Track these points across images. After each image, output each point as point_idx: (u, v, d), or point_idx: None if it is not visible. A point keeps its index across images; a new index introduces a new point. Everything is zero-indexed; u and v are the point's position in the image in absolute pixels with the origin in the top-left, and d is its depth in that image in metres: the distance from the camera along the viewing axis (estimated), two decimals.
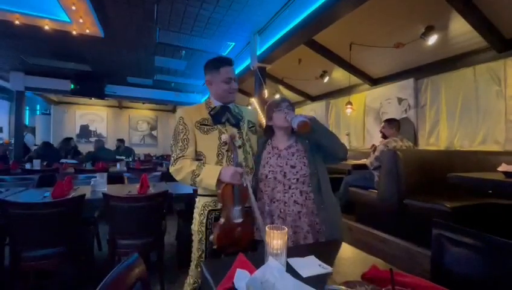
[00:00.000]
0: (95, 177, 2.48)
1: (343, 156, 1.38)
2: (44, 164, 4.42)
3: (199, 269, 1.34)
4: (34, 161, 4.31)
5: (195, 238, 1.37)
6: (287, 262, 0.89)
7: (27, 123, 8.70)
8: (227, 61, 1.40)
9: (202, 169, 1.27)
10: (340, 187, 3.43)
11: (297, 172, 1.31)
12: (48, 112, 9.19)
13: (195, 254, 1.37)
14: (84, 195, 1.89)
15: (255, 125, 1.53)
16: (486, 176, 1.71)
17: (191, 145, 1.35)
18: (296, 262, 0.93)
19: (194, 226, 1.39)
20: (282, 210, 1.29)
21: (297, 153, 1.34)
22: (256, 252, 1.29)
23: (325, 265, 0.92)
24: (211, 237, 1.29)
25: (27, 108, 8.54)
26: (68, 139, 6.54)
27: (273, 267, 0.74)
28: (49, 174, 3.45)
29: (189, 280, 1.38)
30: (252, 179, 1.40)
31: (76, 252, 1.90)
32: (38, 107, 9.58)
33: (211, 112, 1.39)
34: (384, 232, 2.35)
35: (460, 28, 3.11)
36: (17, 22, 3.65)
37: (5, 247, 2.10)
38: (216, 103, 1.42)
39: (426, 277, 0.91)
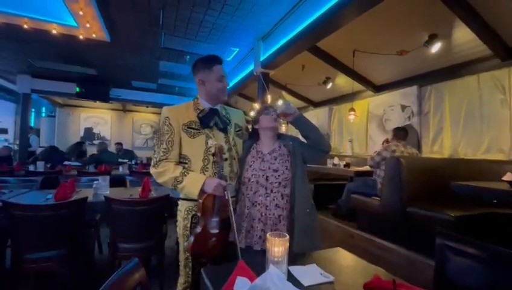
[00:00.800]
0: (98, 180, 2.49)
1: (327, 149, 1.43)
2: (48, 166, 4.45)
3: (187, 270, 1.38)
4: (37, 162, 4.34)
5: (181, 241, 1.39)
6: (288, 270, 0.89)
7: (32, 125, 8.80)
8: (218, 60, 1.38)
9: (186, 176, 1.26)
10: (343, 194, 3.41)
11: (279, 176, 1.33)
12: (53, 114, 9.28)
13: (181, 256, 1.39)
14: (87, 198, 1.90)
15: (242, 129, 1.53)
16: (491, 185, 1.69)
17: (176, 148, 1.33)
18: (297, 270, 0.92)
19: (179, 230, 1.40)
20: (263, 214, 1.31)
21: (280, 157, 1.37)
22: (257, 260, 1.28)
23: (326, 274, 0.91)
24: (185, 244, 1.31)
25: (33, 110, 8.64)
26: (80, 144, 6.54)
27: (273, 275, 0.73)
28: (53, 176, 3.47)
29: (180, 280, 1.41)
30: (236, 182, 1.41)
31: (77, 254, 1.90)
32: (43, 109, 9.68)
33: (200, 115, 1.36)
34: (387, 240, 2.32)
35: (464, 36, 3.11)
36: (25, 26, 3.72)
37: (7, 249, 2.11)
38: (205, 105, 1.40)
39: (429, 286, 0.90)
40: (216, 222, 1.25)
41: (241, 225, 1.33)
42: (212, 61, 1.37)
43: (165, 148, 1.31)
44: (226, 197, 1.22)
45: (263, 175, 1.34)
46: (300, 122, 1.40)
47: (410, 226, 2.26)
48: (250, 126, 1.59)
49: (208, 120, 1.36)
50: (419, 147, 4.00)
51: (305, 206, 1.34)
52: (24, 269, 1.74)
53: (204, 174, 1.31)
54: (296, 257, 1.09)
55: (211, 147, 1.33)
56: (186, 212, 1.36)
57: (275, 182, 1.33)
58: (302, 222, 1.30)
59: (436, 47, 3.23)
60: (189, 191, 1.25)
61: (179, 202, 1.42)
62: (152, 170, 1.33)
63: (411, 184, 2.35)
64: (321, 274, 0.91)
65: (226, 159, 1.34)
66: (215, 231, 1.25)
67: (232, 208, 1.22)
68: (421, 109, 4.07)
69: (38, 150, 6.74)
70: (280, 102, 1.50)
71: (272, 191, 1.33)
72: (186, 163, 1.34)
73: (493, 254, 0.94)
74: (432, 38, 3.22)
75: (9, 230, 1.75)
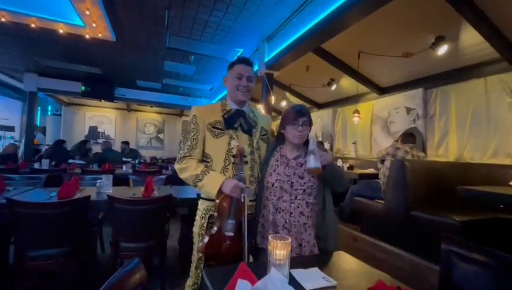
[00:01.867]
0: (101, 178, 2.50)
1: (340, 191, 1.38)
2: (53, 163, 4.49)
3: (198, 271, 1.35)
4: (42, 160, 4.38)
5: (195, 240, 1.37)
6: (290, 273, 0.87)
7: (38, 123, 8.90)
8: (242, 60, 1.40)
9: (206, 175, 1.28)
10: (346, 196, 3.39)
11: (304, 183, 1.28)
12: (58, 113, 9.38)
13: (194, 256, 1.38)
14: (90, 196, 1.91)
15: (267, 133, 1.51)
16: (498, 190, 1.66)
17: (199, 146, 1.36)
18: (300, 274, 0.90)
19: (195, 229, 1.39)
20: (287, 220, 1.26)
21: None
22: (258, 262, 1.28)
23: (329, 278, 0.89)
24: (200, 244, 1.30)
25: (39, 108, 8.75)
26: (85, 142, 6.61)
27: (275, 279, 0.72)
28: (57, 174, 3.50)
29: (189, 282, 1.39)
30: (256, 186, 1.38)
31: (79, 253, 1.90)
32: (49, 108, 9.80)
33: (225, 115, 1.37)
34: (390, 244, 2.29)
35: (471, 38, 3.07)
36: (33, 26, 3.77)
37: (10, 246, 2.13)
38: (232, 105, 1.41)
39: None
40: (232, 224, 1.22)
41: (268, 232, 1.29)
42: (236, 61, 1.41)
43: (189, 146, 1.35)
44: (242, 200, 1.21)
45: (288, 181, 1.29)
46: (330, 171, 1.26)
47: (415, 230, 2.23)
48: (275, 128, 1.54)
49: (232, 121, 1.37)
50: (424, 150, 3.96)
51: (332, 221, 1.31)
52: (27, 267, 1.74)
53: (224, 174, 1.32)
54: (298, 260, 1.08)
55: (233, 147, 1.33)
56: (204, 211, 1.37)
57: (300, 189, 1.27)
58: (333, 226, 1.28)
59: (443, 49, 3.19)
60: (207, 190, 1.28)
61: (199, 201, 1.43)
62: (176, 165, 1.37)
63: (416, 188, 2.32)
64: (323, 278, 0.90)
65: (246, 162, 1.32)
66: (230, 233, 1.22)
67: (246, 212, 1.21)
68: (427, 112, 4.03)
69: (44, 148, 6.81)
70: (311, 142, 1.25)
71: (296, 197, 1.27)
72: (208, 162, 1.36)
73: (500, 260, 0.92)
74: (439, 40, 3.18)
75: (12, 227, 1.76)
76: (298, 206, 1.27)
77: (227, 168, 1.33)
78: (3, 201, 1.76)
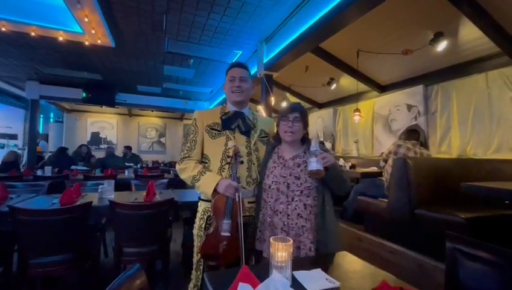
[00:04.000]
0: (103, 184, 2.50)
1: (342, 194, 1.36)
2: (56, 170, 4.51)
3: (198, 273, 1.37)
4: (45, 167, 4.41)
5: (195, 242, 1.39)
6: (292, 275, 0.86)
7: (41, 131, 8.96)
8: (234, 64, 1.46)
9: (203, 176, 1.31)
10: (349, 195, 3.36)
11: (301, 184, 1.25)
12: (60, 120, 9.44)
13: (195, 258, 1.39)
14: (91, 202, 1.91)
15: (268, 136, 1.51)
16: (503, 185, 1.64)
17: (198, 147, 1.40)
18: (302, 275, 0.89)
19: (195, 230, 1.41)
20: (285, 223, 1.24)
21: (304, 164, 1.27)
22: (260, 264, 1.26)
23: (332, 279, 0.88)
24: (196, 242, 1.33)
25: (41, 116, 8.81)
26: (80, 147, 6.71)
27: (277, 281, 0.71)
28: (59, 180, 3.51)
29: (190, 284, 1.40)
30: (255, 188, 1.38)
31: (82, 258, 1.90)
32: (52, 115, 9.87)
33: (223, 117, 1.41)
34: (395, 243, 2.26)
35: (470, 33, 3.05)
36: (33, 34, 3.80)
37: (14, 253, 2.13)
38: (231, 108, 1.45)
39: None
40: (228, 224, 1.22)
41: (265, 234, 1.28)
42: (229, 66, 1.48)
43: (188, 147, 1.40)
44: (237, 199, 1.22)
45: (284, 182, 1.27)
46: (332, 174, 1.23)
47: (419, 228, 2.20)
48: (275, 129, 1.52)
49: (229, 122, 1.40)
50: (426, 147, 3.93)
51: (333, 223, 1.27)
52: (30, 274, 1.75)
53: (221, 174, 1.35)
54: (300, 261, 1.06)
55: (229, 148, 1.35)
56: (202, 212, 1.40)
57: (297, 190, 1.25)
58: (333, 230, 1.25)
59: (442, 45, 3.17)
60: (204, 190, 1.32)
61: (199, 203, 1.46)
62: (176, 166, 1.42)
63: (419, 185, 2.29)
64: (327, 279, 0.88)
65: (242, 162, 1.33)
66: (227, 234, 1.22)
67: (241, 212, 1.21)
68: (428, 109, 4.00)
69: (48, 155, 6.86)
70: (313, 144, 1.23)
71: (293, 199, 1.25)
72: (206, 162, 1.40)
73: (506, 257, 0.90)
74: (438, 36, 3.17)
75: (15, 235, 1.77)
76: (296, 208, 1.24)
77: (224, 168, 1.35)
78: (5, 209, 1.77)
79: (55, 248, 1.80)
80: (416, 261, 2.03)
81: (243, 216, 1.23)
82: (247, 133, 1.42)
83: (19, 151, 7.75)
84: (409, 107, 4.26)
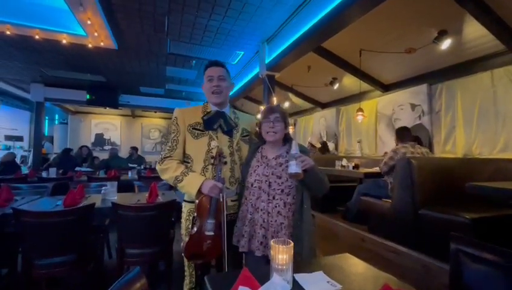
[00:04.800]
0: (106, 185, 2.52)
1: (319, 196, 1.39)
2: (60, 172, 4.55)
3: (191, 270, 1.41)
4: (50, 169, 4.45)
5: (182, 243, 1.40)
6: (294, 278, 0.86)
7: (46, 132, 9.06)
8: (210, 63, 1.45)
9: (186, 176, 1.31)
10: (352, 196, 3.34)
11: (282, 183, 1.29)
12: (65, 122, 9.53)
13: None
14: (94, 204, 1.92)
15: (250, 134, 1.52)
16: (509, 185, 1.61)
17: (180, 147, 1.39)
18: (303, 278, 0.88)
19: (182, 230, 1.43)
20: (265, 220, 1.28)
21: (286, 163, 1.30)
22: (262, 268, 1.26)
23: (334, 282, 0.87)
24: (182, 243, 1.34)
25: (46, 118, 8.90)
26: (80, 148, 6.79)
27: (277, 285, 0.71)
28: (63, 182, 3.54)
29: (186, 280, 1.44)
30: (238, 186, 1.41)
31: (86, 259, 1.91)
32: (56, 117, 9.97)
33: (204, 117, 1.41)
34: (399, 244, 2.24)
35: (475, 31, 3.01)
36: (37, 37, 3.84)
37: (18, 254, 2.15)
38: (212, 107, 1.44)
39: None
40: (212, 224, 1.26)
41: (244, 230, 1.31)
42: (207, 64, 1.46)
43: (170, 147, 1.38)
44: (221, 200, 1.24)
45: (266, 181, 1.30)
46: (310, 176, 1.26)
47: (423, 229, 2.18)
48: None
49: (211, 122, 1.40)
50: (430, 147, 3.89)
51: (309, 220, 1.30)
52: (35, 275, 1.76)
53: (204, 175, 1.35)
54: (301, 263, 1.06)
55: (212, 148, 1.36)
56: (188, 213, 1.41)
57: (278, 189, 1.29)
58: (302, 238, 1.25)
59: (446, 44, 3.14)
60: (187, 190, 1.32)
61: (183, 204, 1.46)
62: (157, 166, 1.40)
63: (423, 186, 2.26)
64: (328, 282, 0.87)
65: (225, 163, 1.35)
66: (211, 233, 1.25)
67: (225, 212, 1.24)
68: (432, 108, 3.96)
69: (52, 157, 6.93)
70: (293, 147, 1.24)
71: (274, 197, 1.28)
72: (188, 162, 1.39)
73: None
74: (442, 34, 3.13)
75: (19, 236, 1.78)
76: (276, 206, 1.28)
77: (207, 169, 1.36)
78: (10, 211, 1.79)
79: (59, 249, 1.81)
80: (420, 262, 2.00)
81: (226, 214, 1.26)
82: (229, 132, 1.42)
83: (24, 153, 7.86)
84: (413, 106, 4.21)
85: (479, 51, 3.31)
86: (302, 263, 1.08)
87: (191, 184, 1.29)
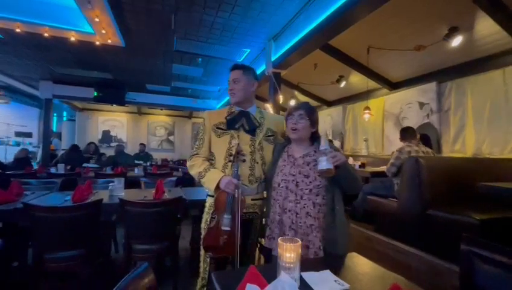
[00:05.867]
0: (113, 181, 2.54)
1: (353, 193, 1.39)
2: (68, 168, 4.62)
3: (205, 265, 1.44)
4: (58, 165, 4.52)
5: (202, 235, 1.44)
6: (301, 276, 0.85)
7: (54, 129, 9.21)
8: (231, 67, 1.52)
9: (207, 172, 1.38)
10: (358, 195, 3.31)
11: (310, 182, 1.25)
12: (73, 119, 9.67)
13: (202, 251, 1.43)
14: (102, 200, 1.94)
15: (275, 134, 1.51)
16: None
17: (205, 145, 1.49)
18: (311, 277, 0.88)
19: (202, 224, 1.48)
20: (293, 221, 1.24)
21: (313, 163, 1.27)
22: (268, 265, 1.26)
23: (341, 281, 0.86)
24: (202, 236, 1.40)
25: (55, 115, 9.04)
26: (88, 144, 6.90)
27: (285, 283, 0.70)
28: (71, 178, 3.59)
29: (199, 278, 1.47)
30: (259, 185, 1.44)
31: (94, 254, 1.94)
32: (64, 113, 10.12)
33: (227, 117, 1.47)
34: (406, 244, 2.21)
35: (487, 28, 2.94)
36: (46, 35, 3.88)
37: (29, 248, 2.20)
38: (237, 108, 1.51)
39: None
40: (228, 219, 1.28)
41: (275, 232, 1.28)
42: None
43: (197, 145, 1.50)
44: (236, 195, 1.27)
45: (293, 180, 1.27)
46: (343, 172, 1.20)
47: (432, 229, 2.15)
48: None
49: (233, 122, 1.46)
50: (439, 146, 3.83)
51: (342, 222, 1.25)
52: (44, 268, 1.79)
53: (224, 171, 1.41)
54: (309, 262, 1.05)
55: (233, 146, 1.40)
56: (208, 207, 1.47)
57: (306, 189, 1.24)
58: (336, 241, 1.21)
59: (457, 40, 3.07)
60: (207, 186, 1.39)
61: (206, 198, 1.53)
62: (187, 163, 1.52)
63: (431, 185, 2.23)
64: (335, 281, 0.87)
65: (244, 160, 1.38)
66: (227, 228, 1.28)
67: (240, 208, 1.27)
68: (441, 106, 3.89)
69: (61, 153, 7.05)
70: (322, 143, 1.20)
71: (302, 197, 1.24)
72: (213, 160, 1.48)
73: None
74: (452, 31, 3.06)
75: (30, 230, 1.82)
76: (304, 207, 1.24)
77: (227, 166, 1.41)
78: (20, 205, 1.82)
79: (68, 243, 1.84)
80: (427, 263, 1.98)
81: (245, 212, 1.30)
82: (252, 132, 1.45)
83: (34, 149, 8.00)
84: (421, 104, 4.15)
85: (490, 48, 3.23)
86: (308, 261, 1.07)
87: (211, 180, 1.36)
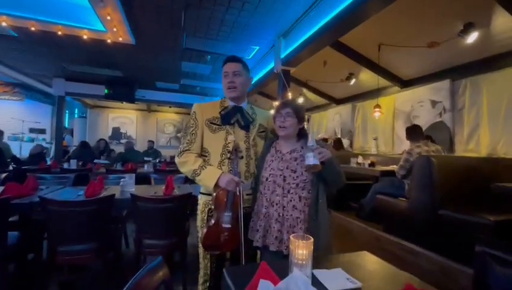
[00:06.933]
0: (124, 177, 2.59)
1: (336, 189, 1.38)
2: (80, 163, 4.73)
3: (206, 262, 1.44)
4: (71, 160, 4.63)
5: (199, 234, 1.44)
6: (313, 274, 0.85)
7: (66, 125, 9.42)
8: (227, 59, 1.46)
9: (203, 170, 1.34)
10: (368, 194, 3.27)
11: (297, 177, 1.29)
12: (84, 115, 9.87)
13: (200, 249, 1.44)
14: (114, 195, 1.98)
15: (266, 131, 1.52)
16: None
17: (198, 141, 1.41)
18: (322, 274, 0.88)
19: (197, 222, 1.46)
20: (280, 214, 1.28)
21: (301, 158, 1.31)
22: (279, 262, 1.27)
23: (353, 279, 0.86)
24: (199, 234, 1.38)
25: (67, 112, 9.25)
26: (98, 141, 7.05)
27: (298, 279, 0.70)
28: (84, 173, 3.68)
29: (201, 273, 1.46)
30: (253, 181, 1.43)
31: (105, 248, 1.99)
32: (76, 110, 10.33)
33: (222, 112, 1.43)
34: (416, 245, 2.18)
35: (504, 23, 2.85)
36: (59, 33, 3.97)
37: (44, 241, 2.27)
38: (230, 102, 1.46)
39: None
40: (228, 217, 1.29)
41: (259, 224, 1.32)
42: (224, 60, 1.47)
43: (188, 140, 1.41)
44: (238, 193, 1.27)
45: (280, 175, 1.31)
46: (328, 168, 1.25)
47: (443, 230, 2.11)
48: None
49: (228, 117, 1.42)
50: (451, 145, 3.74)
51: (324, 215, 1.30)
52: (58, 261, 1.85)
53: (221, 168, 1.38)
54: (320, 259, 1.05)
55: (229, 142, 1.38)
56: (203, 205, 1.44)
57: (293, 183, 1.29)
58: (318, 233, 1.24)
59: (472, 37, 2.98)
60: (205, 183, 1.35)
61: (199, 196, 1.49)
62: (176, 159, 1.43)
63: (443, 185, 2.18)
64: (347, 279, 0.87)
65: (241, 157, 1.37)
66: (227, 225, 1.29)
67: (242, 205, 1.27)
68: (454, 105, 3.80)
69: (72, 149, 7.22)
70: (309, 140, 1.22)
71: (289, 191, 1.29)
72: (206, 156, 1.42)
73: None
74: (468, 27, 2.98)
75: (45, 223, 1.88)
76: (291, 200, 1.28)
77: (224, 163, 1.39)
78: (36, 199, 1.88)
79: (81, 237, 1.89)
80: (438, 264, 1.95)
81: (242, 208, 1.29)
82: (246, 127, 1.44)
83: (47, 145, 8.21)
84: (433, 103, 4.06)
85: (507, 45, 3.13)
86: (320, 259, 1.07)
87: (209, 178, 1.31)
